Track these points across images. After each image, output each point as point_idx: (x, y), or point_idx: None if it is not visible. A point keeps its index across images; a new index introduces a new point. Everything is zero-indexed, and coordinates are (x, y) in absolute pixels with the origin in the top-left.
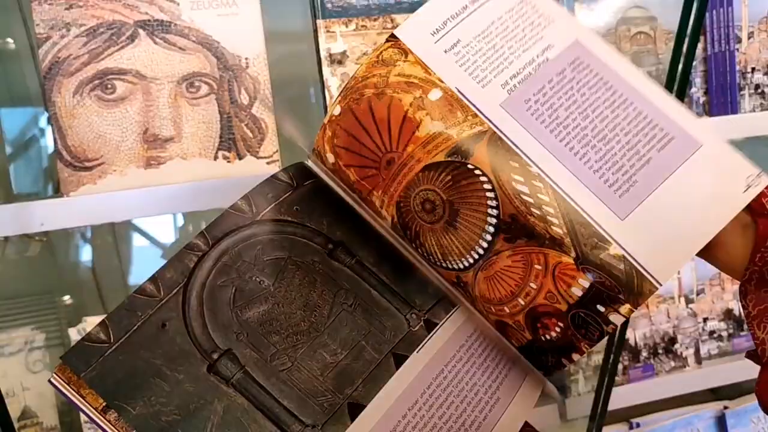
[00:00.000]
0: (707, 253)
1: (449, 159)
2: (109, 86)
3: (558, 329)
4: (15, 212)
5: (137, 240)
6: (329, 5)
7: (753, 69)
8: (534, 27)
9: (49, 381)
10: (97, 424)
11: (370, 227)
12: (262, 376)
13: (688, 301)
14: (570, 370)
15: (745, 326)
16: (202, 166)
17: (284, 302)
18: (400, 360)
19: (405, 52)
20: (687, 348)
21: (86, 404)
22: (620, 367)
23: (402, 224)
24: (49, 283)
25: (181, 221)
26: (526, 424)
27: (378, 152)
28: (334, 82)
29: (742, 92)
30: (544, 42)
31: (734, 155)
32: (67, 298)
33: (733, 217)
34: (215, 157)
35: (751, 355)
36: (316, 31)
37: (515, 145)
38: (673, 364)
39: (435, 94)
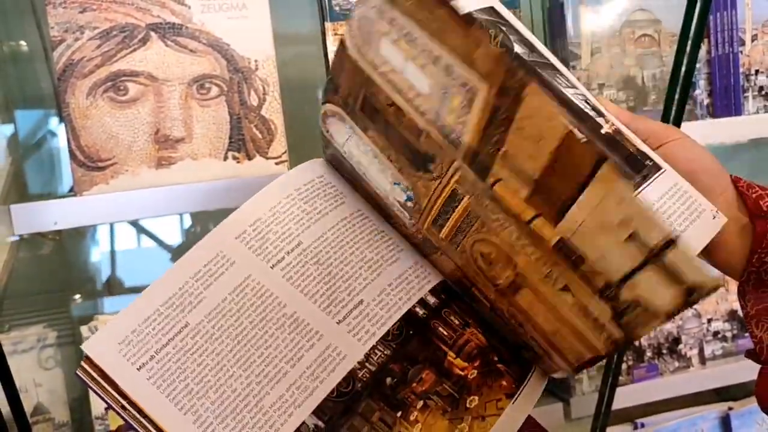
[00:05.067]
0: (705, 253)
1: None
2: (122, 88)
3: None
4: (29, 211)
5: (148, 239)
6: (337, 8)
7: (757, 71)
8: None
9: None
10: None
11: None
12: None
13: None
14: None
15: None
16: (212, 166)
17: None
18: None
19: None
20: (691, 348)
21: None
22: (624, 366)
23: None
24: (61, 281)
25: (190, 221)
26: (529, 418)
27: None
28: None
29: (745, 94)
30: None
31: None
32: (78, 296)
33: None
34: (225, 158)
35: (751, 354)
36: (324, 33)
37: None
38: (677, 364)
39: None
